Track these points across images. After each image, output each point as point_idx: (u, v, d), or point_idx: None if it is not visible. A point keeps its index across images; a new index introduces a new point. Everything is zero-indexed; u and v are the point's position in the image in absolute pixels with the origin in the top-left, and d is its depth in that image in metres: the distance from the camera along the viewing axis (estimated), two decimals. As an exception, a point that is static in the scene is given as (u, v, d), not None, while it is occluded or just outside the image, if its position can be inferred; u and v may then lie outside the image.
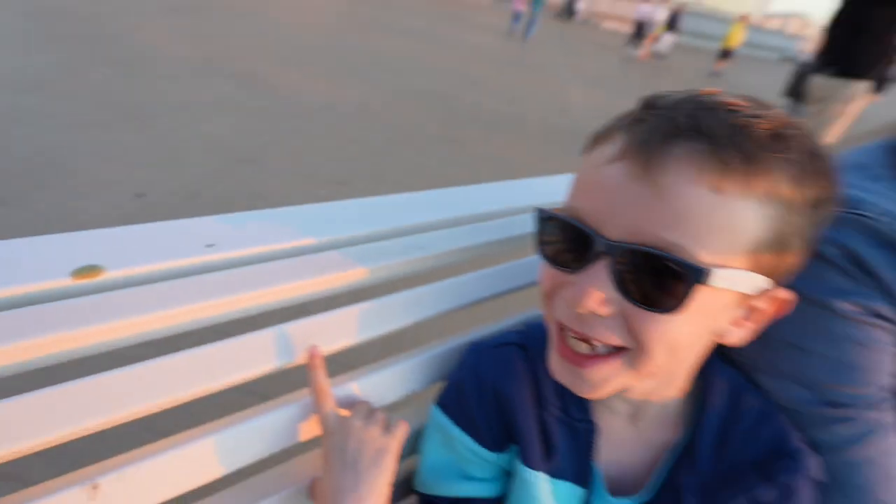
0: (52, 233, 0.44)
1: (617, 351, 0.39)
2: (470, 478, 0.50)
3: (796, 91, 3.84)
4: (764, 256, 0.35)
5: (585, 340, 0.39)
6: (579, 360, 0.40)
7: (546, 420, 0.47)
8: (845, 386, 0.45)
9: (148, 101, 3.54)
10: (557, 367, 0.43)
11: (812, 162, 0.35)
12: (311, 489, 0.48)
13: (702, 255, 0.33)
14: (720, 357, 0.49)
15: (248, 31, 6.58)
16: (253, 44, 5.89)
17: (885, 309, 0.43)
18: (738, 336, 0.40)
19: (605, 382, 0.40)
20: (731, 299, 0.37)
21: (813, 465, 0.44)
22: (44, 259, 0.42)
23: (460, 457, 0.50)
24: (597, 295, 0.36)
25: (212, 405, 0.49)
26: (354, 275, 0.53)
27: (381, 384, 0.54)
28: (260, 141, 3.28)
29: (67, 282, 0.41)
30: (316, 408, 0.47)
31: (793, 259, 0.38)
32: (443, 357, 0.58)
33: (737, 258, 0.34)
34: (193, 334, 0.45)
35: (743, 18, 12.48)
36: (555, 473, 0.47)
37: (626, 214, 0.35)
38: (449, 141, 4.06)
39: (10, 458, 0.34)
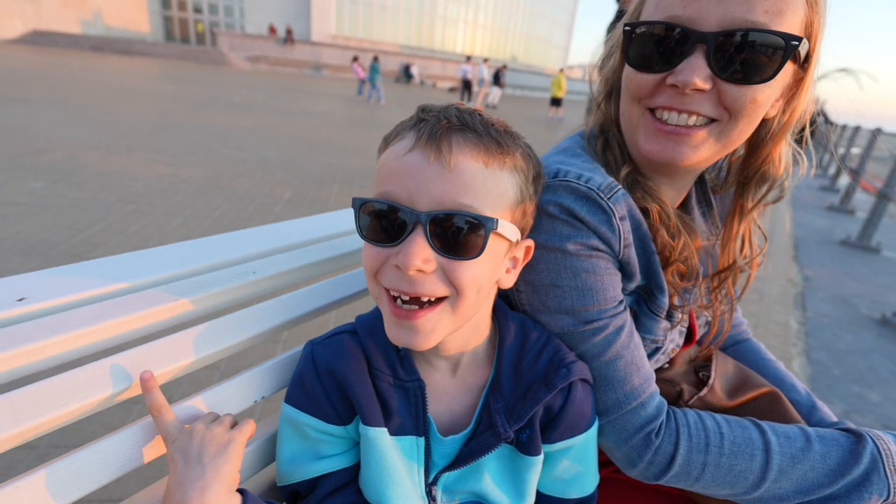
0: None
1: (439, 301, 0.49)
2: (324, 456, 0.55)
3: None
4: (516, 213, 0.52)
5: (417, 298, 0.48)
6: (412, 315, 0.49)
7: (381, 388, 0.55)
8: (591, 306, 0.59)
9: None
10: (394, 329, 0.51)
11: (529, 148, 0.54)
12: None
13: (486, 213, 0.48)
14: (509, 306, 0.64)
15: (60, 120, 5.95)
16: (69, 133, 5.34)
17: (597, 242, 0.59)
18: (509, 280, 0.56)
19: (434, 329, 0.50)
20: (505, 247, 0.52)
21: (582, 370, 0.58)
22: None
23: (312, 440, 0.55)
24: (421, 256, 0.46)
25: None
26: (183, 306, 0.58)
27: (228, 395, 0.58)
28: (90, 232, 2.96)
29: None
30: (155, 422, 0.50)
31: (530, 216, 0.56)
32: (288, 363, 0.64)
33: (505, 214, 0.50)
34: (15, 383, 0.46)
35: (562, 71, 14.76)
36: (396, 431, 0.55)
37: (430, 189, 0.46)
38: (308, 202, 4.09)
39: None
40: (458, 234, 0.47)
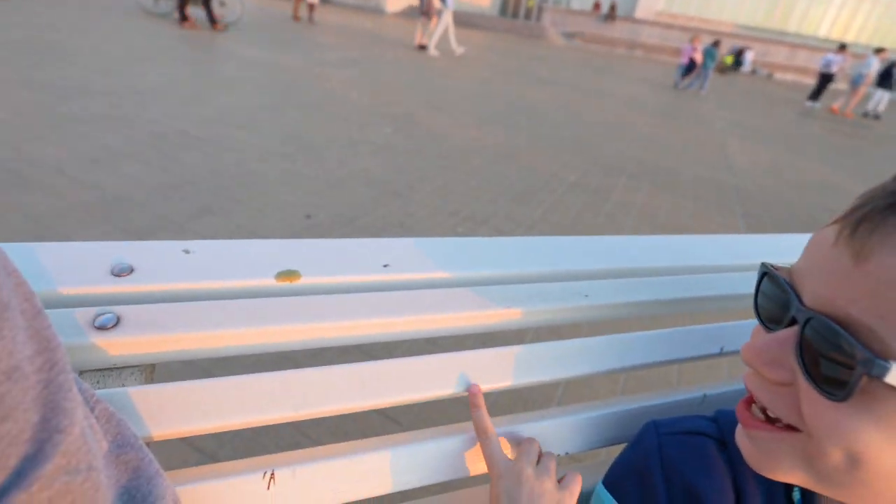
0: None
1: (792, 428, 0.33)
2: None
3: None
4: None
5: (763, 408, 0.35)
6: (746, 419, 0.36)
7: None
8: None
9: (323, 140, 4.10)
10: (737, 432, 0.37)
11: None
12: None
13: (889, 343, 0.27)
14: None
15: (400, 80, 7.32)
16: (408, 93, 6.52)
17: None
18: None
19: (772, 455, 0.34)
20: None
21: None
22: (252, 260, 0.48)
23: None
24: (767, 353, 0.33)
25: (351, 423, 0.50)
26: (512, 314, 0.52)
27: (540, 435, 0.50)
28: (409, 178, 3.56)
29: (271, 282, 0.47)
30: (481, 445, 0.46)
31: None
32: (608, 421, 0.52)
33: None
34: (365, 347, 0.47)
35: None
36: None
37: (821, 279, 0.31)
38: (592, 189, 3.95)
39: (207, 431, 0.38)
40: (827, 356, 0.30)
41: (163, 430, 0.37)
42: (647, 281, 0.60)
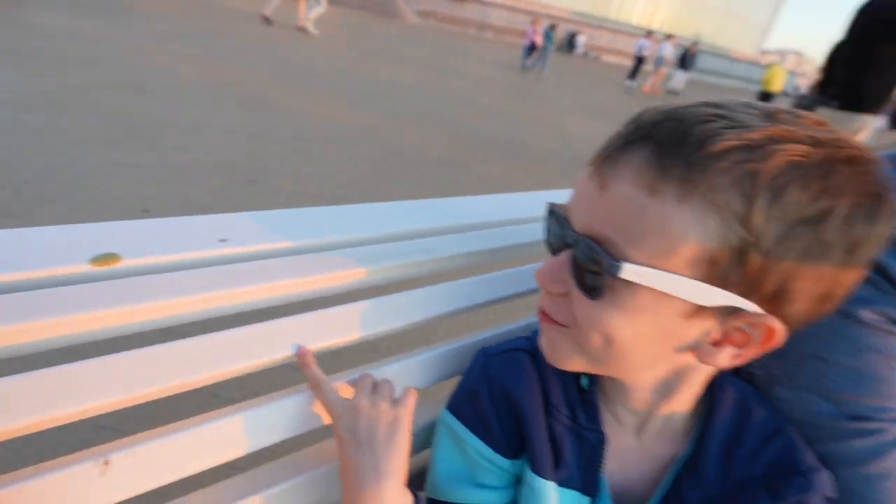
0: (74, 223, 0.46)
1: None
2: (482, 485, 0.50)
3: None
4: (720, 270, 0.34)
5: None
6: (544, 318, 0.45)
7: (555, 429, 0.48)
8: (867, 397, 0.44)
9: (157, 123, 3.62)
10: (538, 337, 0.47)
11: (812, 176, 0.32)
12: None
13: (633, 252, 0.35)
14: (732, 371, 0.48)
15: (252, 56, 6.77)
16: (260, 69, 6.05)
17: None
18: (723, 359, 0.39)
19: (560, 347, 0.44)
20: (683, 308, 0.36)
21: (825, 483, 0.43)
22: (65, 246, 0.44)
23: (473, 463, 0.50)
24: (550, 273, 0.41)
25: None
26: (357, 275, 0.55)
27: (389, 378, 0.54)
28: (263, 163, 3.34)
29: (86, 268, 0.43)
30: (317, 396, 0.48)
31: (781, 280, 0.34)
32: (448, 357, 0.59)
33: (679, 264, 0.34)
34: (200, 324, 0.46)
35: (776, 63, 12.06)
36: (562, 482, 0.48)
37: (581, 209, 0.40)
38: (453, 163, 4.13)
39: (26, 431, 0.35)
40: (586, 264, 0.38)
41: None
42: (479, 234, 0.68)
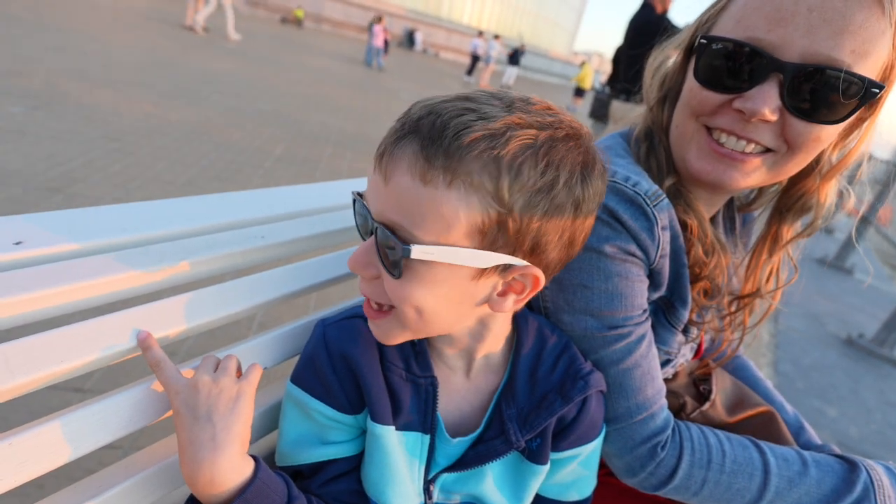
0: None
1: (391, 309, 0.49)
2: (330, 442, 0.53)
3: (598, 114, 4.73)
4: (489, 237, 0.43)
5: (369, 303, 0.50)
6: (370, 313, 0.51)
7: (392, 381, 0.53)
8: (618, 311, 0.58)
9: None
10: (369, 323, 0.53)
11: (538, 155, 0.42)
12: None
13: (420, 234, 0.42)
14: (529, 306, 0.61)
15: (41, 42, 5.60)
16: (50, 58, 5.04)
17: (634, 248, 0.57)
18: (509, 305, 0.49)
19: (389, 332, 0.50)
20: (469, 272, 0.45)
21: (598, 381, 0.57)
22: None
23: (319, 425, 0.53)
24: (360, 258, 0.47)
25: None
26: (186, 266, 0.54)
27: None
28: (70, 166, 2.83)
29: None
30: (157, 377, 0.47)
31: (526, 237, 0.44)
32: (292, 335, 0.61)
33: (457, 238, 0.42)
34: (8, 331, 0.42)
35: (586, 62, 14.45)
36: (403, 426, 0.54)
37: (375, 199, 0.45)
38: (300, 160, 3.98)
39: None
40: (386, 249, 0.45)
41: None
42: (314, 219, 0.71)
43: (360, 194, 0.48)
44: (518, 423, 0.54)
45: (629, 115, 0.74)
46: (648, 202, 0.56)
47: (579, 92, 13.78)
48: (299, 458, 0.53)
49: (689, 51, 0.60)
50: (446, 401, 0.56)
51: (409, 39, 24.01)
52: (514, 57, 15.75)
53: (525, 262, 0.46)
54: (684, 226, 0.61)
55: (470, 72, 15.72)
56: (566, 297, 0.60)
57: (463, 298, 0.47)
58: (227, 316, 0.56)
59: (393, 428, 0.53)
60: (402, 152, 0.42)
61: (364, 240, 0.49)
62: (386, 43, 13.57)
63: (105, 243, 0.52)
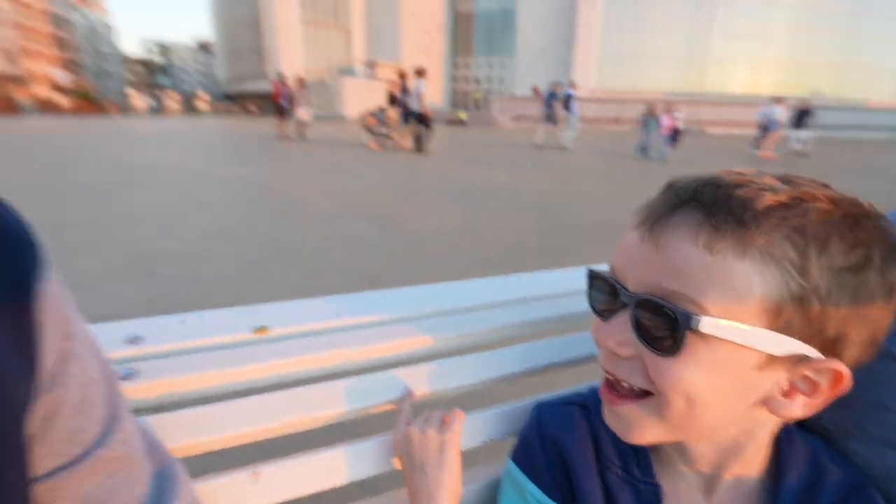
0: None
1: (644, 395, 0.43)
2: None
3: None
4: (784, 319, 0.37)
5: (617, 381, 0.45)
6: (611, 398, 0.46)
7: (609, 480, 0.50)
8: None
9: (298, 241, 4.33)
10: (603, 410, 0.48)
11: (844, 229, 0.37)
12: None
13: (707, 306, 0.37)
14: (801, 426, 0.50)
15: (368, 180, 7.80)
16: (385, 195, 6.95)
17: None
18: (795, 409, 0.40)
19: (635, 423, 0.44)
20: (757, 359, 0.38)
21: None
22: (234, 322, 0.64)
23: None
24: (615, 336, 0.43)
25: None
26: (442, 339, 0.67)
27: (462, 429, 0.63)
28: (379, 265, 3.76)
29: (249, 335, 0.62)
30: (393, 433, 0.58)
31: (834, 324, 0.37)
32: (518, 413, 0.66)
33: (748, 316, 0.37)
34: (325, 375, 0.61)
35: None
36: None
37: (637, 270, 0.42)
38: (551, 251, 4.22)
39: (209, 448, 0.51)
40: (656, 323, 0.40)
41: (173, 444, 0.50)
42: (534, 305, 0.77)
43: (599, 271, 0.47)
44: None
45: None
46: None
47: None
48: None
49: None
50: None
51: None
52: (800, 118, 13.23)
53: (823, 357, 0.38)
54: None
55: (757, 144, 13.89)
56: (857, 418, 0.47)
57: (742, 392, 0.40)
58: (458, 387, 0.65)
59: None
60: (682, 220, 0.39)
61: (603, 319, 0.46)
62: (675, 131, 13.00)
63: (399, 316, 0.70)
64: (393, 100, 12.14)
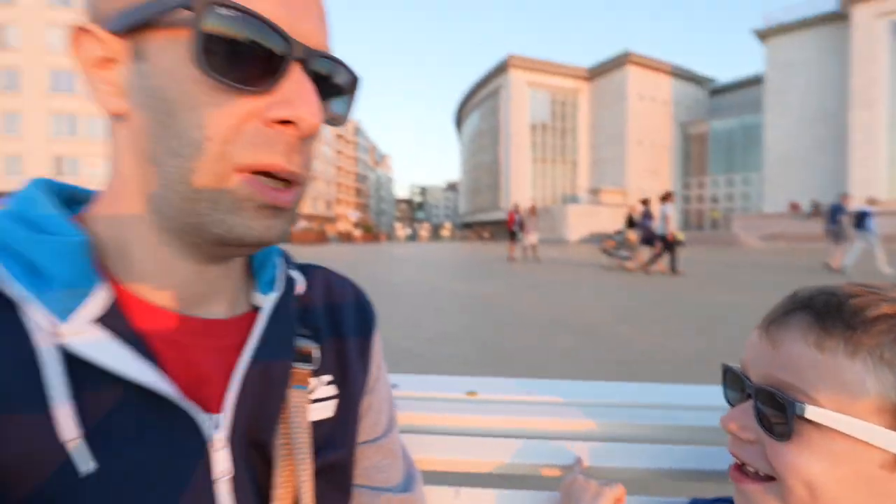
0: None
1: (768, 479, 0.47)
2: None
3: None
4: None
5: (744, 465, 0.49)
6: (739, 477, 0.50)
7: None
8: None
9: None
10: (734, 492, 0.51)
11: None
12: None
13: (815, 396, 0.42)
14: None
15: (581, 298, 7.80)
16: (589, 307, 6.93)
17: None
18: None
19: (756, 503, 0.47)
20: (881, 458, 0.40)
21: None
22: (454, 386, 0.90)
23: None
24: (738, 421, 0.49)
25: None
26: (591, 425, 0.79)
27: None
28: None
29: (463, 396, 0.86)
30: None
31: None
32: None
33: (864, 413, 0.40)
34: (513, 434, 0.80)
35: None
36: None
37: (758, 364, 0.49)
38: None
39: (438, 467, 0.75)
40: (769, 410, 0.45)
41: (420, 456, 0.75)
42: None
43: (731, 365, 0.54)
44: None
45: None
46: None
47: None
48: None
49: None
50: None
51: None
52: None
53: None
54: None
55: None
56: None
57: (872, 491, 0.42)
58: (621, 469, 0.74)
59: None
60: (795, 322, 0.45)
61: (732, 405, 0.52)
62: None
63: (575, 401, 0.86)
64: (631, 223, 12.48)
